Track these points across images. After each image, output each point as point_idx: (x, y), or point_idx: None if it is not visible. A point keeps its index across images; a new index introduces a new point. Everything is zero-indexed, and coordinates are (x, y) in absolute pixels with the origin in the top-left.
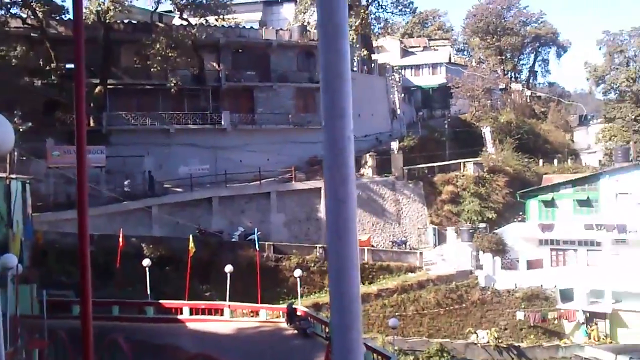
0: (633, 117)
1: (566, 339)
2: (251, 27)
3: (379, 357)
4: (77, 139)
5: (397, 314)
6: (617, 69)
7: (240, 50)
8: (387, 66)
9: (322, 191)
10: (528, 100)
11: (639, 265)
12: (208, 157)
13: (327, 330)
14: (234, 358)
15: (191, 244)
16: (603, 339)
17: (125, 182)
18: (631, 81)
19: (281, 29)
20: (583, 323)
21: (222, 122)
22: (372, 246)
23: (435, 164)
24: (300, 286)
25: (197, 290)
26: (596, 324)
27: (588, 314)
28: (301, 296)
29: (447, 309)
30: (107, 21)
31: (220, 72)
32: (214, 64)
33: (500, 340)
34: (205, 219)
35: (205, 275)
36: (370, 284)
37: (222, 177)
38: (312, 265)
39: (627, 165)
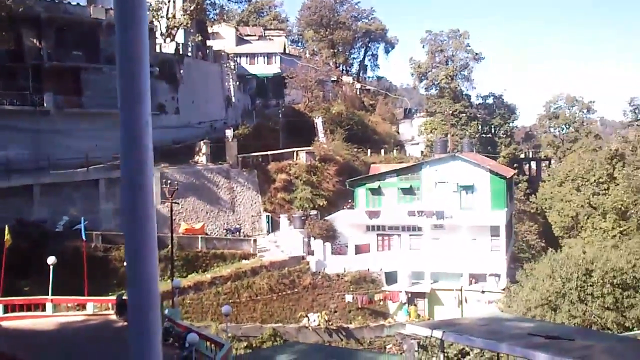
0: (451, 111)
1: (390, 318)
2: (78, 4)
3: (212, 345)
4: None
5: (230, 301)
6: (437, 66)
7: (65, 28)
8: (223, 53)
9: (155, 179)
10: (358, 93)
11: (454, 248)
12: (29, 141)
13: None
14: (53, 355)
15: (7, 236)
16: (422, 316)
17: None
18: (449, 79)
19: (111, 8)
20: (405, 303)
21: (45, 104)
22: (206, 234)
23: (269, 153)
24: None
25: (15, 285)
26: (416, 304)
27: (410, 295)
28: None
29: (280, 294)
30: None
31: (42, 50)
32: (35, 40)
33: (330, 323)
34: (26, 208)
35: (25, 268)
36: (204, 272)
37: (46, 163)
38: None
39: (445, 156)
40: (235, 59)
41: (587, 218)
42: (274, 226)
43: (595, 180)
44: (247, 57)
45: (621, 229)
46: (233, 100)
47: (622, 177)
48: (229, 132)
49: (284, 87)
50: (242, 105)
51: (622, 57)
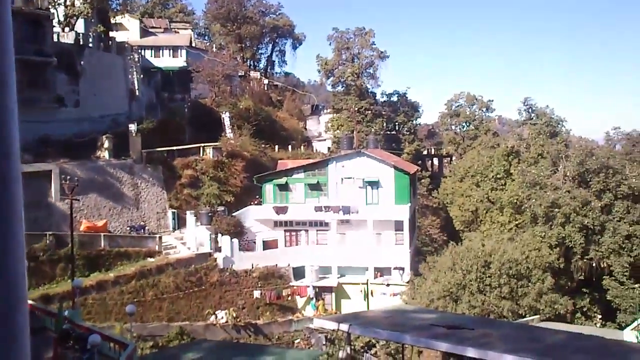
0: (357, 109)
1: (298, 313)
2: None
3: (116, 345)
4: None
5: (135, 300)
6: (344, 64)
7: None
8: (126, 45)
9: (53, 174)
10: (266, 89)
11: (360, 242)
12: None
13: (56, 322)
14: None
15: None
16: (329, 310)
17: None
18: (355, 76)
19: None
20: (313, 298)
21: None
22: (109, 232)
23: (175, 148)
24: (27, 277)
25: None
26: (323, 298)
27: (317, 289)
28: (28, 288)
29: (186, 292)
30: None
31: None
32: None
33: (238, 319)
34: None
35: None
36: (107, 271)
37: None
38: (42, 254)
39: (351, 153)
40: (139, 51)
41: (486, 212)
42: (180, 223)
43: (493, 176)
44: (152, 49)
45: (516, 222)
46: (137, 93)
47: (518, 173)
48: (132, 127)
49: (190, 82)
50: (147, 99)
51: (519, 58)
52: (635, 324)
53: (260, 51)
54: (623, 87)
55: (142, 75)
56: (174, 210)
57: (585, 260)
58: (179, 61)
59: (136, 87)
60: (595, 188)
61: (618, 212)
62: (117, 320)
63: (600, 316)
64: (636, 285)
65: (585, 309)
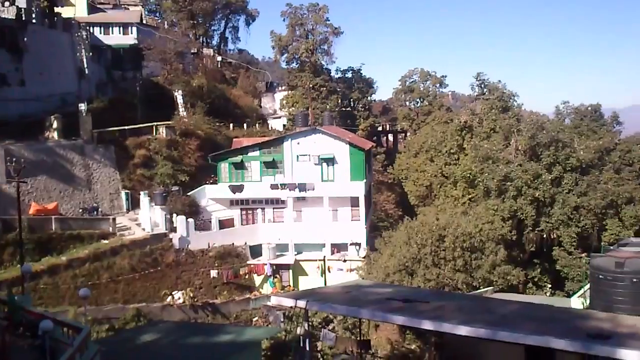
0: (311, 85)
1: (256, 291)
2: None
3: (70, 330)
4: None
5: (90, 283)
6: (298, 40)
7: None
8: (73, 22)
9: None
10: (219, 66)
11: (316, 219)
12: None
13: (5, 309)
14: None
15: None
16: (287, 288)
17: None
18: (310, 52)
19: None
20: (270, 275)
21: None
22: (60, 214)
23: (127, 127)
24: None
25: None
26: (281, 276)
27: (275, 267)
28: None
29: (142, 273)
30: None
31: None
32: None
33: (195, 299)
34: None
35: None
36: (59, 254)
37: None
38: None
39: (306, 130)
40: (87, 28)
41: (440, 187)
42: (134, 204)
43: (446, 151)
44: (100, 26)
45: (470, 196)
46: (86, 72)
47: (471, 148)
48: (82, 106)
49: (141, 59)
50: (97, 77)
51: (473, 34)
52: (581, 291)
53: (213, 28)
54: (573, 63)
55: (91, 53)
56: (127, 191)
57: (536, 232)
58: (130, 38)
59: (85, 66)
60: (545, 161)
61: (567, 185)
62: (71, 304)
63: (550, 285)
64: (583, 255)
65: (536, 279)
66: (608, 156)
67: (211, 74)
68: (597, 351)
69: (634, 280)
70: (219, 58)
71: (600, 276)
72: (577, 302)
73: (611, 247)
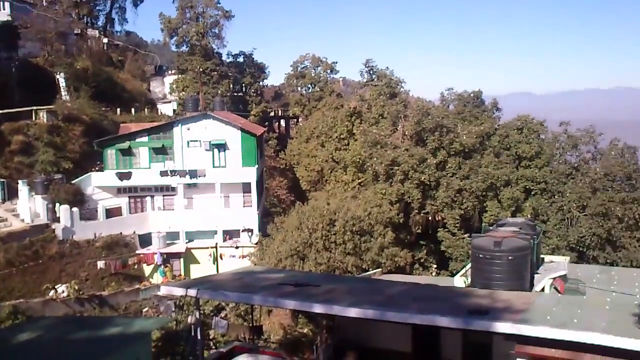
0: (202, 69)
1: (146, 281)
2: None
3: None
4: None
5: None
6: (188, 23)
7: None
8: None
9: None
10: (105, 48)
11: (208, 206)
12: None
13: None
14: None
15: None
16: (178, 276)
17: None
18: (200, 36)
19: None
20: (160, 264)
21: None
22: None
23: (1, 112)
24: None
25: None
26: (172, 264)
27: (165, 256)
28: None
29: (21, 267)
30: None
31: None
32: None
33: (81, 292)
34: None
35: None
36: None
37: None
38: None
39: (196, 115)
40: None
41: (331, 172)
42: (11, 193)
43: (337, 137)
44: None
45: (359, 180)
46: None
47: (360, 133)
48: None
49: (17, 38)
50: None
51: (364, 23)
52: (463, 270)
53: (98, 8)
54: (458, 51)
55: None
56: (3, 179)
57: (422, 214)
58: (2, 15)
59: None
60: (431, 146)
61: (451, 168)
62: None
63: (435, 266)
64: (465, 236)
65: (422, 260)
66: (488, 141)
67: (97, 57)
68: (476, 326)
69: (510, 257)
70: (105, 40)
71: (480, 255)
72: (459, 281)
73: (490, 228)
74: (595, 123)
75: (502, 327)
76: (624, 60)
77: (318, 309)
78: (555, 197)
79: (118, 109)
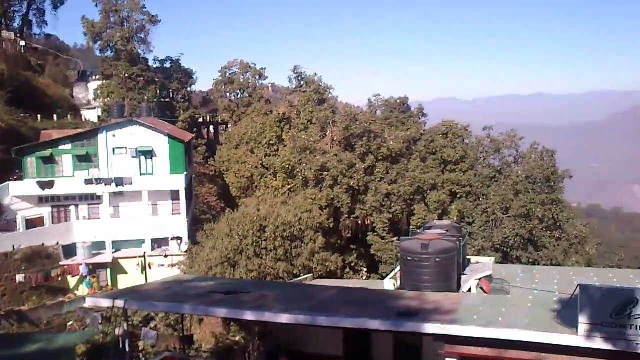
0: (128, 75)
1: (71, 294)
2: None
3: None
4: None
5: None
6: (112, 27)
7: None
8: None
9: None
10: (23, 51)
11: (135, 214)
12: None
13: None
14: None
15: None
16: (105, 287)
17: None
18: (125, 41)
19: None
20: (86, 276)
21: None
22: None
23: None
24: None
25: None
26: (98, 275)
27: (91, 266)
28: None
29: None
30: None
31: None
32: None
33: None
34: None
35: None
36: None
37: None
38: None
39: (122, 121)
40: None
41: (261, 178)
42: None
43: (266, 143)
44: None
45: (289, 186)
46: None
47: (289, 139)
48: None
49: None
50: None
51: (293, 29)
52: (393, 273)
53: (13, 9)
54: (385, 58)
55: None
56: None
57: (352, 219)
58: None
59: None
60: (359, 151)
61: (379, 173)
62: None
63: (365, 269)
64: (394, 239)
65: (353, 264)
66: (415, 146)
67: (13, 60)
68: (406, 328)
69: (437, 259)
70: (23, 43)
71: (409, 258)
72: (389, 284)
73: (418, 230)
74: (517, 127)
75: (431, 328)
76: (542, 70)
77: (249, 316)
78: (480, 199)
79: (39, 116)
